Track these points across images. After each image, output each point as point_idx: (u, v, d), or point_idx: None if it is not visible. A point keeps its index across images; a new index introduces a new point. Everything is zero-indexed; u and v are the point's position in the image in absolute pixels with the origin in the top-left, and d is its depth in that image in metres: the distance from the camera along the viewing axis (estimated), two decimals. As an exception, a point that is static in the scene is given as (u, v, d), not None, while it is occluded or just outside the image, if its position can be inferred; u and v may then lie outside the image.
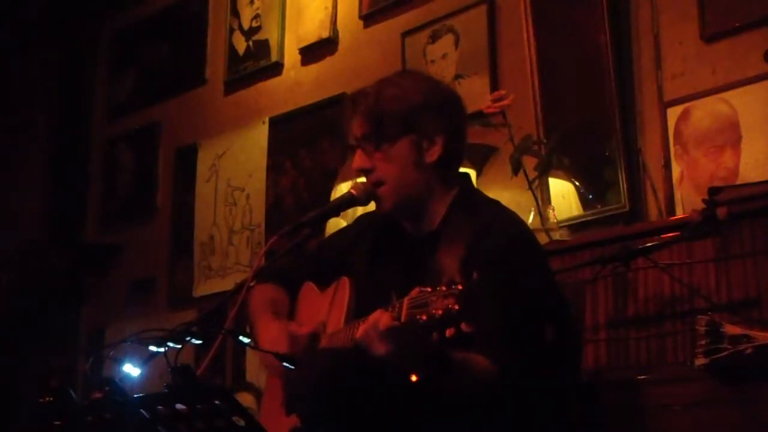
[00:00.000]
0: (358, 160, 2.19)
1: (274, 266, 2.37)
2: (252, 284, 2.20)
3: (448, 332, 1.62)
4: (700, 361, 2.32)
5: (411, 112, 2.14)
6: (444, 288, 1.62)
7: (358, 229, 2.42)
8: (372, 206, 2.28)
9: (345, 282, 2.22)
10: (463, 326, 1.60)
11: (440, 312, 1.61)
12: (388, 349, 1.74)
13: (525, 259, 2.07)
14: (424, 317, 1.63)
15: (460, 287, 1.60)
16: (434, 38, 3.88)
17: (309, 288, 2.42)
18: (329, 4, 4.27)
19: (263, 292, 2.45)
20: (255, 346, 2.28)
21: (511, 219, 2.18)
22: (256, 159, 4.47)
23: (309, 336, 2.22)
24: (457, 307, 1.59)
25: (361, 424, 2.02)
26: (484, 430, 1.95)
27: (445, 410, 1.92)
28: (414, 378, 1.78)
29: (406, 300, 1.70)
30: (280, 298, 2.45)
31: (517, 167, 3.11)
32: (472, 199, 2.22)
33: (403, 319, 1.69)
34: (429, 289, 1.65)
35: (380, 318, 1.74)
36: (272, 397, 2.36)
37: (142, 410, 1.80)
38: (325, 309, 2.26)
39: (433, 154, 2.16)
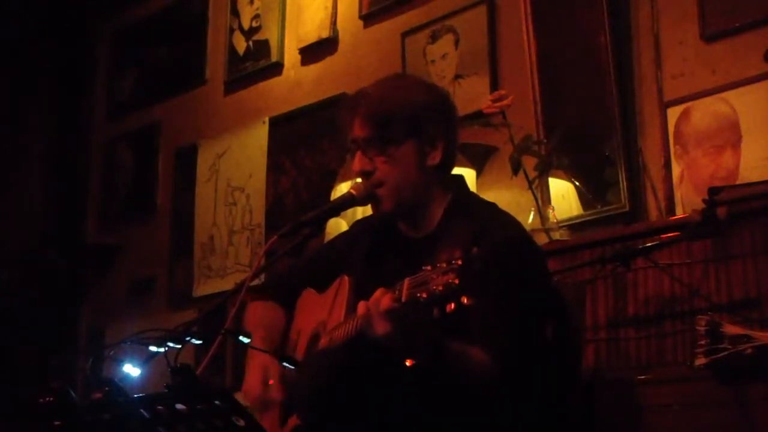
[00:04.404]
0: (359, 162, 2.18)
1: (270, 280, 2.36)
2: (251, 284, 2.20)
3: (449, 307, 1.61)
4: (700, 361, 2.33)
5: (415, 115, 2.14)
6: (444, 265, 1.61)
7: (354, 234, 2.42)
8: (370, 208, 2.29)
9: (345, 280, 2.22)
10: (464, 300, 1.59)
11: (440, 288, 1.60)
12: (387, 329, 1.73)
13: (523, 260, 2.07)
14: (425, 295, 1.62)
15: (459, 262, 1.59)
16: (434, 38, 3.88)
17: (309, 293, 2.42)
18: (329, 4, 4.26)
19: (257, 312, 2.45)
20: (255, 347, 2.28)
21: (508, 221, 2.19)
22: (256, 159, 4.47)
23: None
24: (457, 281, 1.58)
25: (361, 422, 2.03)
26: (483, 428, 1.96)
27: (439, 402, 1.91)
28: (409, 363, 1.77)
29: (407, 280, 1.69)
30: (274, 316, 2.46)
31: (517, 167, 3.11)
32: (468, 202, 2.23)
33: (404, 299, 1.68)
34: (429, 268, 1.64)
35: (381, 298, 1.74)
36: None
37: (142, 410, 1.80)
38: (327, 308, 2.26)
39: (435, 158, 2.17)
